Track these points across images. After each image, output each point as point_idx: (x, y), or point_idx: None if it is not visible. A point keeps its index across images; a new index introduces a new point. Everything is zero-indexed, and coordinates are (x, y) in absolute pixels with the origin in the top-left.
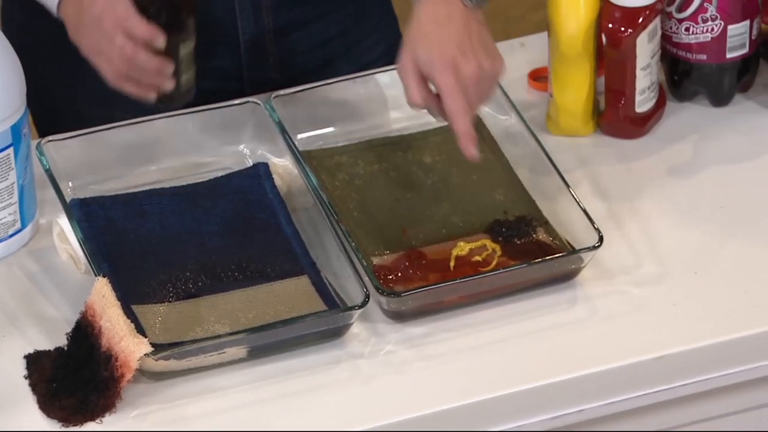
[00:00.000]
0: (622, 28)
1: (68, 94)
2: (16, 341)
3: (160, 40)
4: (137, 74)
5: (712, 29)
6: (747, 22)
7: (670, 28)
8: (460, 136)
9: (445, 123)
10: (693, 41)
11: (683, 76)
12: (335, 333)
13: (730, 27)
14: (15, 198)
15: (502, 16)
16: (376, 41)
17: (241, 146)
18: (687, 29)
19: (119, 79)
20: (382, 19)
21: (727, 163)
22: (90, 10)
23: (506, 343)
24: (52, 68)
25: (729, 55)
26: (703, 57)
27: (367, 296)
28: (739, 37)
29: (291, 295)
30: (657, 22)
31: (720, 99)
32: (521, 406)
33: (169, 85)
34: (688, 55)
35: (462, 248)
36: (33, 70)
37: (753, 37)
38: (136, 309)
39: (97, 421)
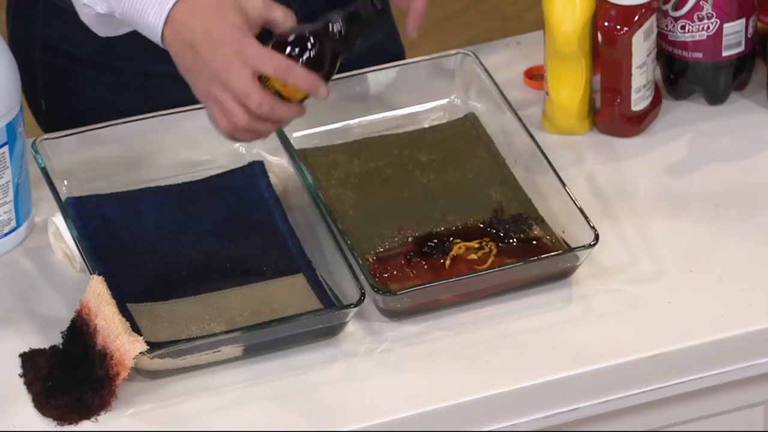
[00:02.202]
0: (618, 27)
1: (96, 107)
2: (11, 339)
3: (324, 91)
4: (264, 127)
5: (708, 27)
6: (743, 20)
7: (666, 26)
8: (416, 14)
9: (441, 121)
10: (689, 39)
11: (679, 75)
12: (331, 331)
13: (726, 25)
14: (10, 196)
15: (499, 15)
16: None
17: (237, 144)
18: (683, 27)
19: (236, 132)
20: None
21: (723, 161)
22: (208, 60)
23: (502, 341)
24: (78, 81)
25: (725, 54)
26: (699, 55)
27: (363, 295)
28: (734, 35)
29: (286, 293)
30: (653, 20)
31: (716, 97)
32: (516, 405)
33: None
34: (684, 54)
35: (458, 246)
36: (57, 83)
37: (749, 36)
38: (132, 307)
39: (93, 419)
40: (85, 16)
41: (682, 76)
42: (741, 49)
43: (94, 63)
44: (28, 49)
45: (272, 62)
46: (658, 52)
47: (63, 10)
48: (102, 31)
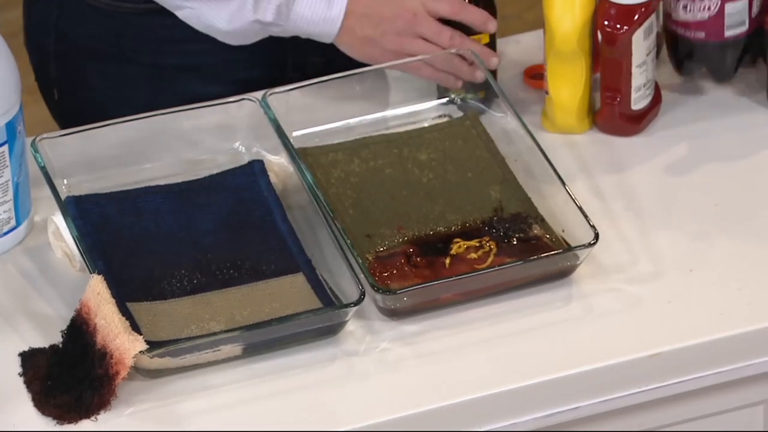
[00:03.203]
0: (618, 26)
1: (107, 98)
2: (10, 339)
3: (492, 26)
4: (461, 65)
5: (709, 7)
6: (746, 1)
7: (670, 5)
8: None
9: (441, 120)
10: (691, 19)
11: (684, 54)
12: (330, 330)
13: (727, 5)
14: (10, 195)
15: (498, 14)
16: None
17: (237, 144)
18: (684, 7)
19: (439, 75)
20: None
21: (723, 160)
22: (393, 18)
23: (501, 340)
24: (90, 72)
25: (728, 34)
26: (702, 35)
27: (363, 294)
28: (737, 14)
29: (286, 292)
30: (653, 19)
31: (722, 76)
32: (516, 404)
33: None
34: (687, 33)
35: (458, 246)
36: (69, 74)
37: (753, 16)
38: (131, 306)
39: (92, 418)
40: (233, 24)
41: (688, 55)
42: (744, 28)
43: (106, 54)
44: (42, 38)
45: (448, 4)
46: (665, 31)
47: (80, 2)
48: (240, 40)
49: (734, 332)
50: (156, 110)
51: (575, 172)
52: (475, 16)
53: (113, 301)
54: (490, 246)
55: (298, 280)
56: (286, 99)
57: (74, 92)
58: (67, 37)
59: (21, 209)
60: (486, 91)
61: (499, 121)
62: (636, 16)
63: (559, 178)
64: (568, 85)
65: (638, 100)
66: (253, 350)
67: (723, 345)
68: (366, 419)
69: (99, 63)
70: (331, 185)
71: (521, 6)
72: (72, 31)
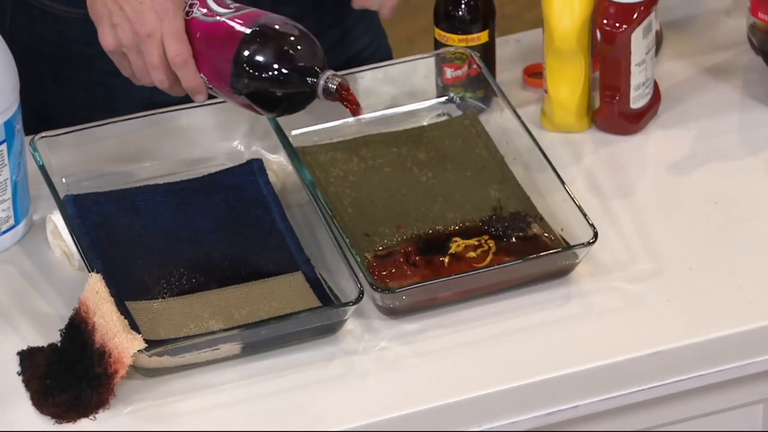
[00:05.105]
0: (617, 24)
1: (61, 102)
2: (9, 338)
3: (201, 98)
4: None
5: None
6: None
7: None
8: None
9: (440, 119)
10: None
11: None
12: (329, 329)
13: None
14: (8, 194)
15: (498, 13)
16: (364, 29)
17: (236, 142)
18: None
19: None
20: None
21: (722, 159)
22: (132, 21)
23: (500, 339)
24: (44, 76)
25: None
26: None
27: (361, 292)
28: None
29: (285, 291)
30: (652, 17)
31: None
32: (515, 403)
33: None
34: None
35: (456, 244)
36: (24, 77)
37: None
38: (130, 305)
39: (91, 417)
40: None
41: None
42: None
43: (59, 59)
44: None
45: (176, 53)
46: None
47: (30, 6)
48: None
49: (734, 331)
50: (114, 115)
51: (574, 170)
52: (188, 82)
53: (112, 299)
54: (489, 245)
55: (297, 278)
56: None
57: (32, 96)
58: (20, 41)
59: (20, 208)
60: (485, 90)
61: (498, 120)
62: (635, 15)
63: (558, 176)
64: (568, 84)
65: (637, 99)
66: (251, 349)
67: (723, 343)
68: (365, 418)
69: (53, 68)
70: (330, 184)
71: (520, 5)
72: (24, 36)
